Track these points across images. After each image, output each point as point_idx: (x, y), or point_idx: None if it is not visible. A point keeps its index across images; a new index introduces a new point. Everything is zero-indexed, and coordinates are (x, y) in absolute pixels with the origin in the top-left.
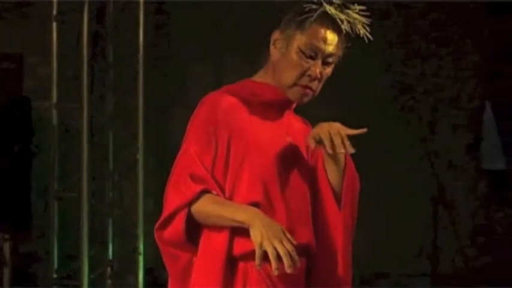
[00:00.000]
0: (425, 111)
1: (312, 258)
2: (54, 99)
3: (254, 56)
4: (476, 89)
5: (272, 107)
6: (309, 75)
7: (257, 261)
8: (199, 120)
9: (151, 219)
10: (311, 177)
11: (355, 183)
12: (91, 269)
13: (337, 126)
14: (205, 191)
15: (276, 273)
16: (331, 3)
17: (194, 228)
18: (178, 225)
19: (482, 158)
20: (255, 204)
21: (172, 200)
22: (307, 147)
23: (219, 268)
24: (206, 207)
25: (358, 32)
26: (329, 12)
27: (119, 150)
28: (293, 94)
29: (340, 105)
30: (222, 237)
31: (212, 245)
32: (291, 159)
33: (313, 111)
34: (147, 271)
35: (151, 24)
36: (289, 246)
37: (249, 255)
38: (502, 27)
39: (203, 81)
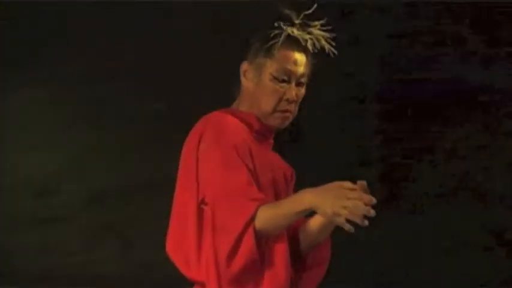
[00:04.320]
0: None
1: None
2: None
3: (81, 64)
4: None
5: (259, 137)
6: (287, 99)
7: (347, 228)
8: (231, 146)
9: None
10: None
11: (323, 265)
12: None
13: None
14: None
15: (365, 224)
16: (293, 25)
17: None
18: (249, 241)
19: None
20: None
21: (235, 221)
22: (285, 181)
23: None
24: (267, 213)
25: (322, 48)
26: (292, 34)
27: None
28: (274, 120)
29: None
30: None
31: (280, 255)
32: (278, 192)
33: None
34: None
35: None
36: (355, 194)
37: None
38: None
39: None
